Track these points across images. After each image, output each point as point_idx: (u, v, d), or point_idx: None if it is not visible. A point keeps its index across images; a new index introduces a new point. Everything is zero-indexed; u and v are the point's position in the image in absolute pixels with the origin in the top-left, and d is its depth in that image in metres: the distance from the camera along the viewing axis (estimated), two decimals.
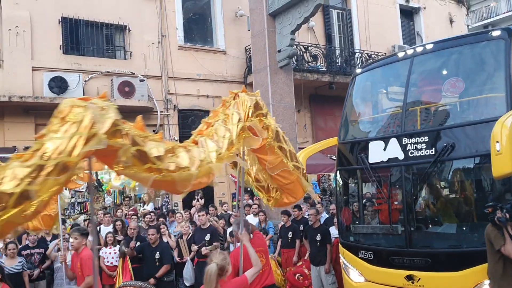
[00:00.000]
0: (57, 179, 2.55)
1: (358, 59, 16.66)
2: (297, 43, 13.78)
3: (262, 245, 5.67)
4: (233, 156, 3.73)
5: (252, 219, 10.33)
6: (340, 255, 6.97)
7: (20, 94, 11.75)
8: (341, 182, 7.24)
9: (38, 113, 12.12)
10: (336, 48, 17.05)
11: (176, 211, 11.58)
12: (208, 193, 13.43)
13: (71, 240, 6.10)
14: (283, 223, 9.26)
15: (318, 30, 16.94)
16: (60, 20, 12.92)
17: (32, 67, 12.35)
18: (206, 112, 15.01)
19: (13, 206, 2.42)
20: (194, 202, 11.78)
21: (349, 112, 7.54)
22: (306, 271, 8.10)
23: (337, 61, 16.32)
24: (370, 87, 7.75)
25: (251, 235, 5.36)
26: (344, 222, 7.10)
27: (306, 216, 9.30)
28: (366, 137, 6.95)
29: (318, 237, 8.16)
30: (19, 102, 11.66)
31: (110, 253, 8.49)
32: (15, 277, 7.35)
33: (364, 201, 7.09)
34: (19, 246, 8.26)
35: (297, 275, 8.09)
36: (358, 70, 7.54)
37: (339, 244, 7.02)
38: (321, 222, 8.93)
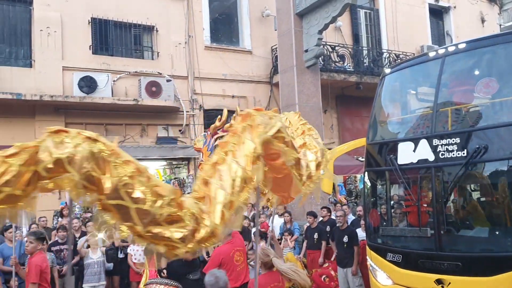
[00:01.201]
0: None
1: (386, 59, 16.45)
2: (324, 43, 13.68)
3: (241, 245, 6.13)
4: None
5: (277, 220, 10.32)
6: (367, 257, 6.87)
7: (51, 93, 12.00)
8: (369, 184, 7.14)
9: (68, 112, 12.37)
10: (364, 48, 16.87)
11: None
12: None
13: (26, 244, 5.96)
14: (308, 224, 9.20)
15: (345, 30, 16.80)
16: (90, 21, 13.15)
17: (63, 67, 12.59)
18: (231, 112, 15.01)
19: None
20: None
21: (378, 112, 7.44)
22: (332, 272, 8.04)
23: (364, 61, 16.15)
24: (399, 87, 7.62)
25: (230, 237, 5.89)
26: (372, 224, 7.00)
27: (333, 218, 9.23)
28: (395, 138, 6.84)
29: (345, 239, 8.08)
30: (50, 101, 11.90)
31: (137, 250, 8.59)
32: None
33: (392, 202, 6.99)
34: (49, 242, 8.42)
35: (323, 276, 8.03)
36: (387, 70, 7.43)
37: (367, 246, 6.93)
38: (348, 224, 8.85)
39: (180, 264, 7.61)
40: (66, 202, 10.97)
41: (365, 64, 16.03)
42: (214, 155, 2.90)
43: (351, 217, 10.06)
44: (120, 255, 8.95)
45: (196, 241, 2.54)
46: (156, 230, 2.46)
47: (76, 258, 8.41)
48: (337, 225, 8.49)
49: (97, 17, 13.20)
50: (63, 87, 12.43)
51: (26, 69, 12.39)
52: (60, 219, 10.44)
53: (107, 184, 2.36)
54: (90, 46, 13.11)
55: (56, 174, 2.40)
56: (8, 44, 12.71)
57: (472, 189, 6.11)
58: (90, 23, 13.15)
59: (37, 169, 2.35)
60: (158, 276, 7.28)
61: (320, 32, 11.86)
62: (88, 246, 8.26)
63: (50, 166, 2.36)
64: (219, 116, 5.73)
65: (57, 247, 8.35)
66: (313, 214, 9.13)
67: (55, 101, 11.99)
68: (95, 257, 8.26)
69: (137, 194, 2.41)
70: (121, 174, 2.41)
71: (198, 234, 2.54)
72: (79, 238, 8.82)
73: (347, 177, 14.93)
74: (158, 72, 13.70)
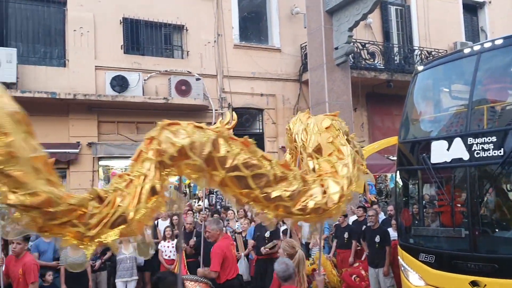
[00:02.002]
0: None
1: (418, 56, 16.15)
2: (354, 40, 13.53)
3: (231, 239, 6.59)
4: None
5: None
6: (399, 257, 6.77)
7: (84, 92, 12.26)
8: (401, 183, 7.04)
9: (100, 110, 12.62)
10: (394, 46, 16.61)
11: (230, 208, 11.69)
12: None
13: (13, 245, 5.82)
14: (338, 223, 9.14)
15: (375, 27, 16.57)
16: (121, 21, 13.36)
17: (95, 66, 12.85)
18: (259, 111, 15.08)
19: None
20: None
21: (410, 110, 7.32)
22: (363, 272, 7.95)
23: (395, 58, 15.91)
24: (432, 85, 7.48)
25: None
26: (404, 223, 6.90)
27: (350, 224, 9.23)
28: (428, 136, 6.72)
29: (377, 239, 7.98)
30: (83, 100, 12.17)
31: (168, 246, 8.72)
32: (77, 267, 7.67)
33: (424, 202, 6.87)
34: None
35: (354, 276, 7.95)
36: (420, 68, 7.30)
37: (398, 246, 6.82)
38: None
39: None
40: None
41: (396, 62, 15.79)
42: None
43: (382, 217, 9.93)
44: (151, 251, 9.05)
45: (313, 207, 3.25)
46: (269, 190, 3.11)
47: (108, 254, 8.55)
48: (369, 224, 8.40)
49: (129, 17, 13.41)
50: (95, 86, 12.68)
51: (60, 69, 12.70)
52: None
53: (229, 160, 2.97)
54: (121, 45, 13.32)
55: (178, 161, 2.94)
56: (43, 44, 13.05)
57: (509, 189, 5.94)
58: (122, 23, 13.37)
59: (163, 159, 2.83)
60: (189, 273, 7.38)
61: (351, 29, 11.74)
62: (120, 242, 8.38)
63: (175, 154, 2.84)
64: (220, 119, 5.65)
65: None
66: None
67: (88, 100, 12.24)
68: (127, 252, 8.39)
69: (253, 162, 3.06)
70: (235, 151, 3.01)
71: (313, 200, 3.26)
72: None
73: (377, 176, 14.73)
74: (188, 71, 13.82)
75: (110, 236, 2.75)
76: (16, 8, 12.62)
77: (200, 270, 6.38)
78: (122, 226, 2.77)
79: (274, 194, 3.16)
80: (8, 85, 11.25)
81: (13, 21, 12.56)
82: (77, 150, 12.19)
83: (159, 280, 4.09)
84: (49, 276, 7.39)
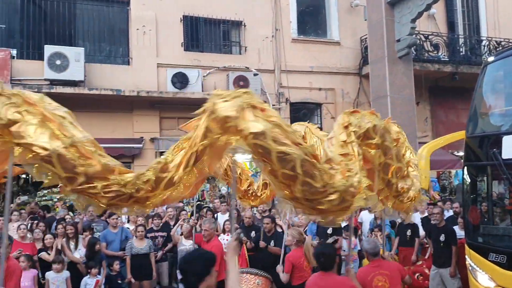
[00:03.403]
0: None
1: (485, 47, 15.35)
2: (417, 32, 13.07)
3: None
4: None
5: (367, 215, 10.08)
6: (466, 256, 6.48)
7: (147, 89, 12.66)
8: (468, 179, 6.72)
9: (162, 106, 12.98)
10: (460, 36, 15.87)
11: None
12: None
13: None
14: (401, 220, 8.88)
15: (439, 17, 15.90)
16: (182, 19, 13.65)
17: (157, 63, 13.22)
18: (318, 105, 14.93)
19: None
20: None
21: (479, 104, 6.97)
22: (426, 270, 7.69)
23: (461, 50, 15.21)
24: (503, 76, 7.08)
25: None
26: (472, 221, 6.59)
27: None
28: (498, 130, 6.36)
29: (442, 237, 7.65)
30: (146, 96, 12.56)
31: (227, 239, 8.81)
32: (143, 257, 7.96)
33: (494, 199, 6.52)
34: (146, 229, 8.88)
35: (417, 274, 7.71)
36: (490, 59, 6.94)
37: (466, 245, 6.53)
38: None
39: (269, 254, 7.74)
40: None
41: (461, 53, 15.10)
42: None
43: (446, 214, 9.54)
44: None
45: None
46: (401, 182, 4.36)
47: (169, 245, 8.77)
48: (433, 222, 8.09)
49: (188, 15, 13.67)
50: (157, 83, 13.05)
51: (125, 67, 13.18)
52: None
53: (392, 150, 3.93)
54: (182, 43, 13.62)
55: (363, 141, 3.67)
56: (108, 43, 13.60)
57: None
58: (182, 21, 13.66)
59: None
60: (248, 266, 7.45)
61: (413, 20, 11.37)
62: (182, 234, 8.57)
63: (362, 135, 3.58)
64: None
65: (152, 234, 8.73)
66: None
67: (150, 97, 12.63)
68: (187, 244, 8.55)
69: (401, 154, 4.35)
70: (393, 143, 3.85)
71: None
72: (173, 226, 9.22)
73: (441, 173, 14.20)
74: (246, 67, 13.91)
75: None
76: (83, 9, 13.21)
77: None
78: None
79: (401, 185, 4.05)
80: (77, 83, 11.85)
81: (80, 22, 13.17)
82: (140, 145, 12.62)
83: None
84: (116, 265, 7.70)
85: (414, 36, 11.80)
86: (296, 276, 6.02)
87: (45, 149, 2.76)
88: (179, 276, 8.42)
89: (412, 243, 8.53)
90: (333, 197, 3.18)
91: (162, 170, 3.10)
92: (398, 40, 11.71)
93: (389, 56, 11.69)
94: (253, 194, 6.46)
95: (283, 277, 6.05)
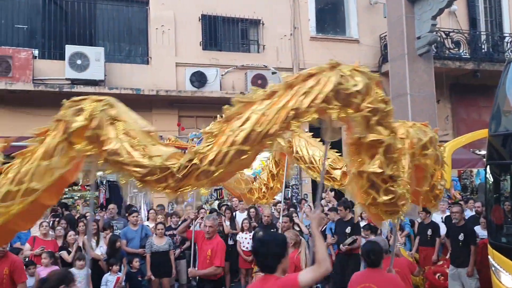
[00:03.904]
0: None
1: (508, 44, 15.07)
2: (437, 29, 12.88)
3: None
4: None
5: None
6: (489, 257, 6.37)
7: (166, 88, 12.74)
8: (491, 178, 6.60)
9: (181, 105, 13.06)
10: (482, 33, 15.59)
11: (306, 202, 11.67)
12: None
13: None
14: (421, 220, 8.78)
15: (460, 14, 15.65)
16: (200, 18, 13.70)
17: (176, 63, 13.29)
18: None
19: None
20: (324, 194, 11.72)
21: (502, 101, 6.83)
22: (447, 270, 7.56)
23: (483, 47, 14.94)
24: None
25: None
26: (495, 221, 6.47)
27: (433, 220, 8.84)
28: None
29: (461, 237, 7.53)
30: (165, 95, 12.65)
31: (246, 238, 8.85)
32: (163, 255, 8.02)
33: None
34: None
35: (438, 274, 7.60)
36: None
37: (488, 245, 6.41)
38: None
39: None
40: None
41: (483, 50, 14.84)
42: None
43: (468, 213, 9.40)
44: (230, 242, 9.26)
45: None
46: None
47: (187, 243, 8.81)
48: (453, 221, 7.97)
49: (207, 14, 13.71)
50: (176, 82, 13.12)
51: (144, 66, 13.29)
52: (175, 205, 11.08)
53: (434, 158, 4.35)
54: (200, 42, 13.67)
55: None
56: (128, 43, 13.73)
57: None
58: (201, 20, 13.71)
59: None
60: None
61: (434, 17, 11.20)
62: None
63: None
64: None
65: (171, 232, 8.75)
66: (425, 210, 8.67)
67: (169, 96, 12.71)
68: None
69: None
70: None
71: None
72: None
73: (462, 171, 13.99)
74: (264, 65, 13.89)
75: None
76: (103, 9, 13.36)
77: (192, 270, 6.32)
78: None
79: (440, 187, 4.47)
80: (97, 82, 11.99)
81: (101, 22, 13.31)
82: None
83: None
84: (136, 263, 7.77)
85: (434, 33, 11.63)
86: None
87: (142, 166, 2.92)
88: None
89: (433, 242, 8.42)
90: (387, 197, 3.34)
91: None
92: (419, 38, 11.55)
93: (409, 54, 11.55)
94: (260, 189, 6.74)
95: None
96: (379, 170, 3.12)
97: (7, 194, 2.85)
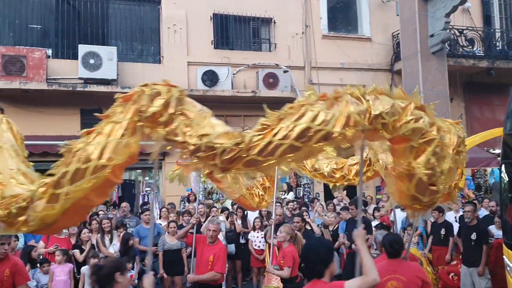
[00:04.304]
0: None
1: None
2: (451, 27, 12.75)
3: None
4: None
5: (399, 214, 9.90)
6: (504, 257, 6.28)
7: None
8: (506, 177, 6.50)
9: None
10: (496, 30, 15.41)
11: (318, 201, 11.64)
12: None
13: (6, 246, 5.24)
14: (434, 219, 8.71)
15: (474, 11, 15.47)
16: (212, 17, 13.72)
17: (187, 62, 13.33)
18: None
19: None
20: (336, 193, 11.69)
21: None
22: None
23: (497, 44, 14.78)
24: None
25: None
26: (510, 221, 6.36)
27: (446, 219, 8.74)
28: None
29: (473, 236, 7.45)
30: None
31: (257, 237, 8.85)
32: (175, 253, 8.06)
33: None
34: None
35: (451, 274, 7.52)
36: None
37: (504, 245, 6.32)
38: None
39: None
40: (191, 189, 11.66)
41: (497, 48, 14.68)
42: None
43: (482, 213, 9.30)
44: (242, 241, 9.27)
45: None
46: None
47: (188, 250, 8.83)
48: (465, 220, 7.89)
49: (218, 13, 13.73)
50: (188, 81, 13.15)
51: (156, 65, 13.35)
52: (186, 204, 11.12)
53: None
54: (212, 41, 13.69)
55: None
56: (140, 42, 13.80)
57: None
58: (212, 19, 13.72)
59: None
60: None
61: (448, 15, 11.10)
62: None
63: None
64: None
65: None
66: (439, 209, 8.59)
67: None
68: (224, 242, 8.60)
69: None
70: None
71: None
72: (204, 222, 9.28)
73: (476, 171, 13.84)
74: (275, 64, 13.88)
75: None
76: (116, 9, 13.44)
77: (191, 276, 6.16)
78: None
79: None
80: (110, 82, 12.06)
81: (113, 21, 13.40)
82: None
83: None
84: (148, 261, 7.79)
85: (448, 31, 11.52)
86: (294, 269, 6.14)
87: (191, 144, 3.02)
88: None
89: (446, 242, 8.34)
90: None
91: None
92: (432, 35, 11.45)
93: (422, 52, 11.46)
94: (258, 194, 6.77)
95: (286, 271, 6.07)
96: (430, 172, 3.24)
97: (76, 172, 2.90)
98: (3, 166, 3.14)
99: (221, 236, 8.64)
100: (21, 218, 2.98)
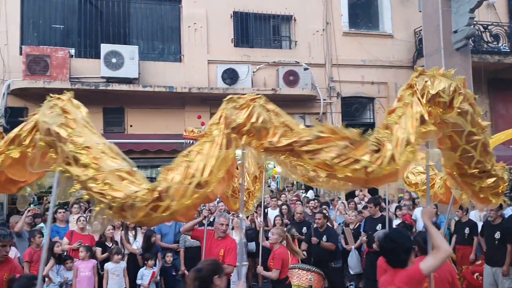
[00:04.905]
0: None
1: None
2: (475, 22, 12.51)
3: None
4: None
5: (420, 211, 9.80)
6: None
7: (198, 85, 12.85)
8: None
9: (212, 102, 13.12)
10: None
11: (339, 199, 11.56)
12: None
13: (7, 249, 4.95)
14: (458, 218, 8.57)
15: (499, 6, 15.17)
16: (232, 15, 13.74)
17: (208, 60, 13.39)
18: (370, 100, 14.64)
19: None
20: (357, 192, 11.61)
21: None
22: None
23: None
24: None
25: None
26: None
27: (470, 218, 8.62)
28: None
29: (497, 235, 7.30)
30: (197, 93, 12.76)
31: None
32: (196, 250, 8.04)
33: None
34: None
35: (476, 274, 7.39)
36: None
37: None
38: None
39: (323, 252, 7.67)
40: None
41: None
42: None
43: (507, 212, 9.10)
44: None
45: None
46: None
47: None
48: (489, 219, 7.74)
49: (239, 11, 13.75)
50: (208, 80, 13.22)
51: (176, 64, 13.44)
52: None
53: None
54: (232, 39, 13.71)
55: None
56: (161, 41, 13.91)
57: None
58: (232, 17, 13.75)
59: None
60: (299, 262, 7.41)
61: (472, 10, 10.87)
62: (232, 228, 8.62)
63: None
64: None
65: (202, 228, 8.82)
66: (462, 208, 8.45)
67: (201, 93, 12.81)
68: (237, 238, 8.61)
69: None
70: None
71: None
72: None
73: None
74: (296, 61, 13.84)
75: None
76: (137, 8, 13.58)
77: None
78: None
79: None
80: (131, 80, 12.20)
81: (134, 20, 13.54)
82: (192, 141, 12.81)
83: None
84: (169, 258, 7.88)
85: (472, 26, 11.29)
86: (283, 271, 6.13)
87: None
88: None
89: (470, 241, 8.20)
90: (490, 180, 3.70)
91: None
92: (455, 31, 11.24)
93: (446, 48, 11.26)
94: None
95: (274, 273, 6.07)
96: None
97: (178, 188, 2.98)
98: (90, 141, 3.18)
99: (241, 234, 8.68)
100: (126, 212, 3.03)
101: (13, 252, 6.24)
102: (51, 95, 3.48)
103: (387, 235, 3.80)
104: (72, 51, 12.51)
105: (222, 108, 3.26)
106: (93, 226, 5.02)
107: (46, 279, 6.58)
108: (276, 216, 9.26)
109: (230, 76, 12.98)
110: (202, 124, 13.01)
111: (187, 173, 3.00)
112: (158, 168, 14.18)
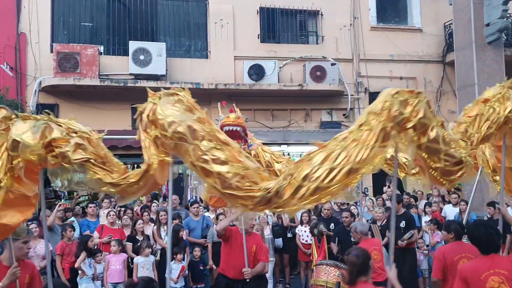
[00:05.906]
0: None
1: None
2: (509, 15, 12.16)
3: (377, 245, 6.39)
4: None
5: (451, 209, 9.61)
6: None
7: (224, 81, 12.89)
8: None
9: (239, 98, 13.12)
10: None
11: (366, 196, 11.44)
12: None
13: (29, 245, 4.61)
14: (489, 216, 8.37)
15: None
16: (258, 11, 13.72)
17: (234, 56, 13.42)
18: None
19: None
20: (385, 188, 11.46)
21: None
22: None
23: None
24: None
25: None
26: None
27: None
28: None
29: None
30: (224, 89, 12.80)
31: (305, 231, 8.81)
32: None
33: None
34: None
35: None
36: None
37: None
38: None
39: (349, 247, 7.59)
40: None
41: None
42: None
43: None
44: (289, 235, 9.26)
45: None
46: None
47: None
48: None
49: (265, 6, 13.71)
50: (234, 76, 13.25)
51: (203, 60, 13.52)
52: None
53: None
54: (258, 35, 13.70)
55: None
56: (188, 38, 14.00)
57: None
58: (259, 13, 13.72)
59: None
60: (327, 258, 7.37)
61: (505, 2, 10.59)
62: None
63: None
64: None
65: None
66: (493, 205, 8.26)
67: (228, 89, 12.85)
68: (265, 234, 8.62)
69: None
70: None
71: None
72: None
73: None
74: (323, 56, 13.73)
75: None
76: (164, 5, 13.70)
77: (248, 269, 5.67)
78: None
79: None
80: (159, 77, 12.32)
81: (162, 18, 13.67)
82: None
83: None
84: (197, 252, 7.94)
85: (505, 19, 10.99)
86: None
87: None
88: None
89: (503, 239, 7.99)
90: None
91: None
92: (487, 25, 10.96)
93: (477, 42, 10.99)
94: None
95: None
96: None
97: (330, 171, 3.08)
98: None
99: (268, 230, 8.70)
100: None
101: (42, 246, 6.37)
102: (171, 90, 3.60)
103: (481, 224, 4.20)
104: (101, 48, 12.72)
105: (384, 100, 3.23)
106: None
107: (79, 271, 6.74)
108: (303, 212, 9.22)
109: (257, 72, 12.98)
110: (231, 110, 13.07)
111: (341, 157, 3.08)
112: (186, 164, 14.28)
